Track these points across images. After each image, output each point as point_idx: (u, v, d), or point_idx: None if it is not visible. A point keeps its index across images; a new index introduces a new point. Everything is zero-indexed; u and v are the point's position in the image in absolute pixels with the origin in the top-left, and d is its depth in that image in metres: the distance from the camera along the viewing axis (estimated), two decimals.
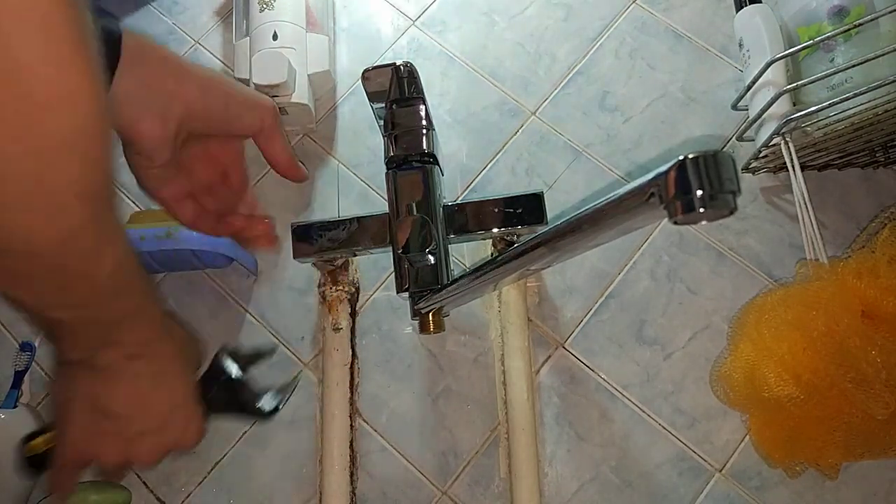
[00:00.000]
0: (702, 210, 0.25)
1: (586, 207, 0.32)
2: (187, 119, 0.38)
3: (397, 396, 0.57)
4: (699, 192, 0.25)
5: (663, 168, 0.26)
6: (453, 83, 0.68)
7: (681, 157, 0.25)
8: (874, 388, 0.45)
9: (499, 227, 0.54)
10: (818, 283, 0.49)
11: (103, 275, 0.31)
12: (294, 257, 0.55)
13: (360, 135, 0.66)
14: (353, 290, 0.60)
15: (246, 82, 0.60)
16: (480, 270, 0.42)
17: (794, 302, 0.49)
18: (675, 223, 0.26)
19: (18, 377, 0.59)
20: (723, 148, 0.63)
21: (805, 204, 0.53)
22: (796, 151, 0.53)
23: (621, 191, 0.29)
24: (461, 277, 0.45)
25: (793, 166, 0.53)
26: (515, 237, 0.56)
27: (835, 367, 0.45)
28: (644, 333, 0.57)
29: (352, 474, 0.55)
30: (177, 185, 0.42)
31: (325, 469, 0.54)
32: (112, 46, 0.34)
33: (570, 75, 0.66)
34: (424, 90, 0.51)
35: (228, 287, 0.62)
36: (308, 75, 0.63)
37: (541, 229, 0.37)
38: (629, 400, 0.56)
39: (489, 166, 0.64)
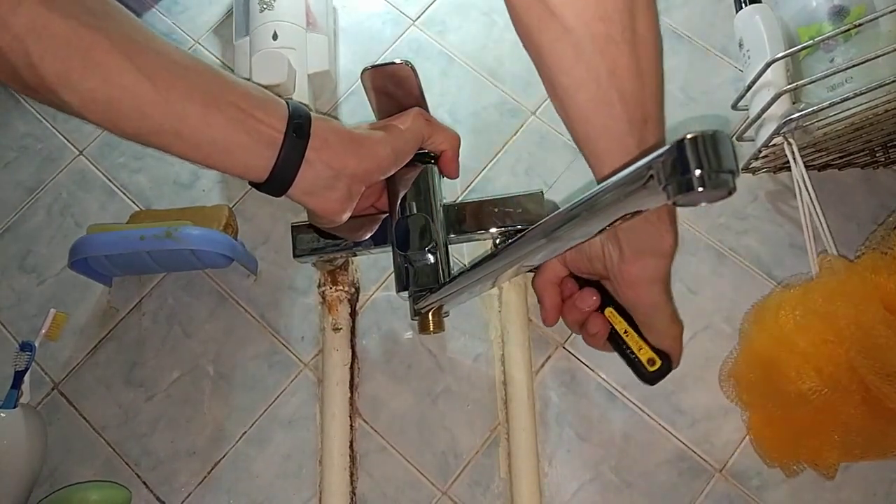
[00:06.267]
0: (700, 189, 0.25)
1: (584, 195, 0.31)
2: (365, 187, 0.44)
3: (397, 396, 0.57)
4: (698, 172, 0.25)
5: (661, 149, 0.26)
6: (453, 83, 0.68)
7: (679, 138, 0.25)
8: None
9: (499, 227, 0.54)
10: (840, 277, 0.49)
11: None
12: (294, 257, 0.55)
13: None
14: (353, 290, 0.60)
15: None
16: (479, 265, 0.42)
17: (818, 293, 0.48)
18: (675, 204, 0.26)
19: (18, 377, 0.59)
20: None
21: (810, 197, 0.52)
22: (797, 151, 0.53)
23: (620, 175, 0.28)
24: (460, 274, 0.45)
25: (795, 161, 0.53)
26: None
27: (861, 359, 0.45)
28: None
29: (352, 474, 0.55)
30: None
31: (325, 469, 0.54)
32: (300, 129, 0.40)
33: None
34: (424, 90, 0.51)
35: (228, 287, 0.62)
36: (308, 75, 0.63)
37: None
38: (629, 400, 0.56)
39: (489, 166, 0.64)
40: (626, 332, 0.48)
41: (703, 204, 0.26)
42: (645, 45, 0.34)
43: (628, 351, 0.48)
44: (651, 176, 0.26)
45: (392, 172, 0.46)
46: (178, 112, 0.36)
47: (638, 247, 0.41)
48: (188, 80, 0.37)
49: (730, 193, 0.25)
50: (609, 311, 0.48)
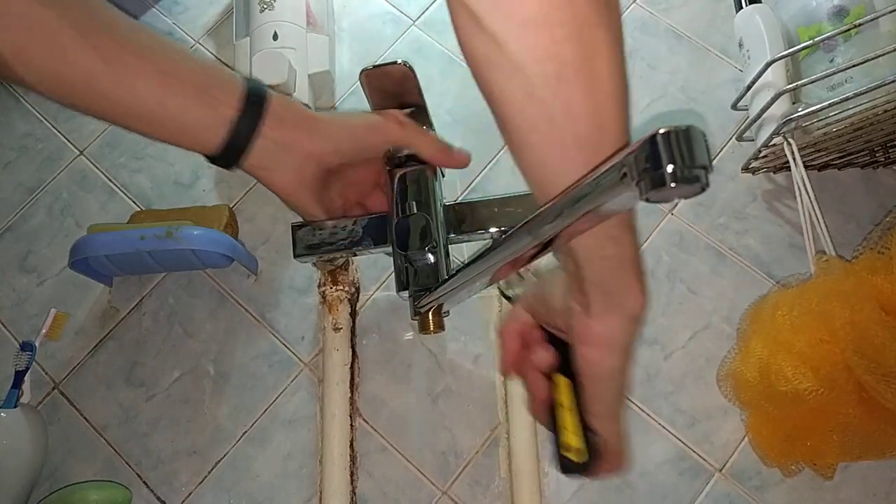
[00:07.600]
0: (673, 185, 0.24)
1: (565, 191, 0.31)
2: (321, 168, 0.45)
3: (397, 396, 0.57)
4: (670, 167, 0.24)
5: (634, 144, 0.25)
6: (453, 83, 0.68)
7: (651, 133, 0.25)
8: None
9: (498, 227, 0.53)
10: (836, 277, 0.49)
11: None
12: (294, 257, 0.55)
13: None
14: (354, 289, 0.60)
15: None
16: (476, 260, 0.42)
17: (814, 294, 0.48)
18: (647, 200, 0.25)
19: (19, 377, 0.59)
20: (722, 148, 0.63)
21: (809, 198, 0.52)
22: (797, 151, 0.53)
23: (597, 171, 0.28)
24: (457, 271, 0.45)
25: (794, 161, 0.53)
26: None
27: (857, 359, 0.45)
28: (644, 333, 0.57)
29: (352, 474, 0.55)
30: (333, 211, 0.51)
31: (325, 469, 0.54)
32: (256, 106, 0.41)
33: None
34: (424, 90, 0.51)
35: (228, 287, 0.62)
36: (308, 75, 0.63)
37: None
38: (629, 400, 0.56)
39: (489, 166, 0.64)
40: (562, 405, 0.40)
41: (677, 200, 0.25)
42: (605, 87, 0.31)
43: (559, 426, 0.40)
44: (625, 173, 0.26)
45: (349, 159, 0.47)
46: (131, 90, 0.37)
47: (608, 301, 0.36)
48: (144, 59, 0.38)
49: (703, 189, 0.25)
50: (558, 377, 0.41)
